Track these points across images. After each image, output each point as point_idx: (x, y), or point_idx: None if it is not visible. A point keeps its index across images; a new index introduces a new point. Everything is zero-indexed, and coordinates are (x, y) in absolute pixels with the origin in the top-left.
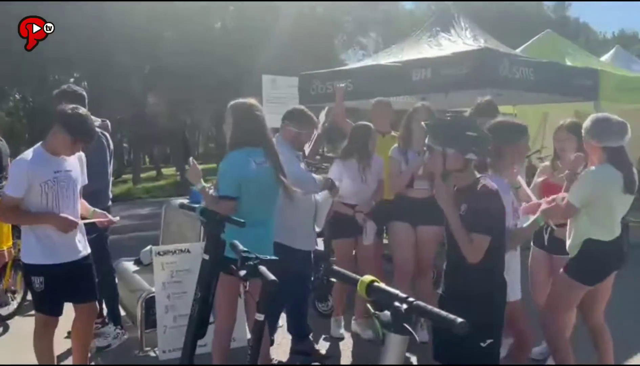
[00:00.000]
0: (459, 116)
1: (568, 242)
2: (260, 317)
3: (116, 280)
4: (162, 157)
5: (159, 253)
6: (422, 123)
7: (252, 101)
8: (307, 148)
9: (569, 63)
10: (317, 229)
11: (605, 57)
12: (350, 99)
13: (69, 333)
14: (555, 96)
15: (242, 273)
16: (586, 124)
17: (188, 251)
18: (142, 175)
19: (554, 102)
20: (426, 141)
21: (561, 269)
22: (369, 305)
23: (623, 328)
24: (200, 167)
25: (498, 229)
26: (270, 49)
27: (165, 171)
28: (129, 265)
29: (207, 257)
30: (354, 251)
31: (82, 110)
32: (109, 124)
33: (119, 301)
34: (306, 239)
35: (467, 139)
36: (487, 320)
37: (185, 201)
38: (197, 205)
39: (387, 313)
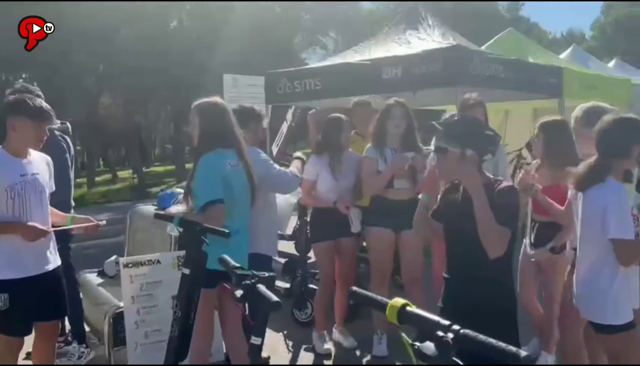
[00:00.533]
0: (467, 115)
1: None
2: (257, 341)
3: (80, 294)
4: (117, 159)
5: (126, 265)
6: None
7: (218, 99)
8: (275, 148)
9: (531, 61)
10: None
11: (563, 55)
12: (318, 99)
13: (28, 354)
14: (523, 93)
15: (239, 293)
16: (579, 114)
17: (158, 261)
18: (97, 178)
19: (522, 100)
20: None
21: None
22: (402, 335)
23: None
24: (157, 169)
25: (515, 226)
26: (228, 48)
27: (121, 173)
28: (92, 277)
29: (187, 271)
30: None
31: (27, 94)
32: (70, 126)
33: (83, 317)
34: (270, 245)
35: (485, 139)
36: (508, 331)
37: (152, 207)
38: (171, 211)
39: (429, 344)
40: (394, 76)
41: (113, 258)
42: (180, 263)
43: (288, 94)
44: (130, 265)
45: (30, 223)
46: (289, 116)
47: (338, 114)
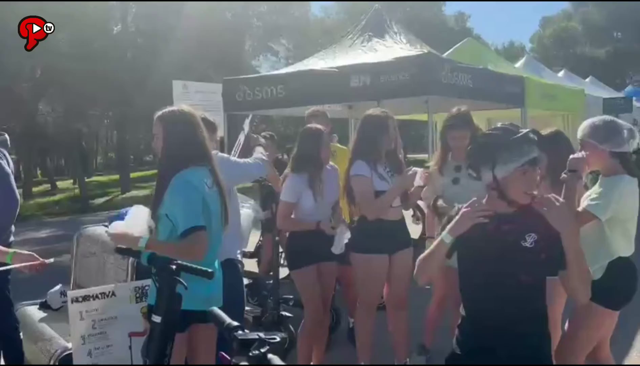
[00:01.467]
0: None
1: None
2: None
3: (20, 334)
4: (56, 169)
5: (75, 299)
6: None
7: (186, 107)
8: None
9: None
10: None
11: (518, 65)
12: (281, 107)
13: None
14: (489, 103)
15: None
16: (589, 126)
17: (113, 294)
18: (34, 189)
19: (486, 109)
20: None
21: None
22: None
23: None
24: (100, 178)
25: None
26: (175, 54)
27: (60, 184)
28: (34, 311)
29: (158, 320)
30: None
31: None
32: (8, 138)
33: (23, 360)
34: (233, 247)
35: None
36: None
37: (102, 228)
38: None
39: None
40: (362, 84)
41: (58, 287)
42: (138, 295)
43: (248, 102)
44: (79, 299)
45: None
46: (246, 125)
47: (316, 126)
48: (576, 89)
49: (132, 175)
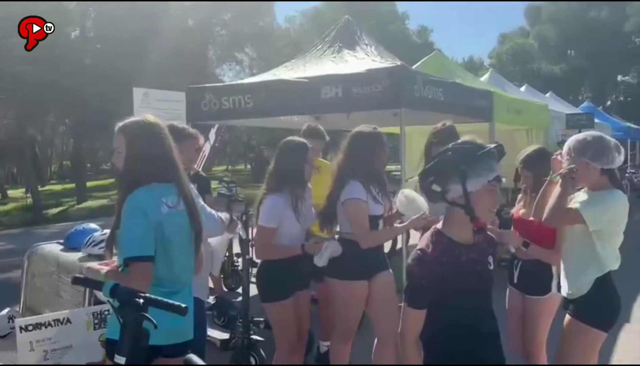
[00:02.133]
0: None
1: (566, 281)
2: None
3: None
4: (8, 177)
5: (25, 328)
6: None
7: (151, 118)
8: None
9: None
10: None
11: (483, 79)
12: (248, 117)
13: None
14: (459, 117)
15: None
16: (579, 143)
17: (68, 321)
18: None
19: (456, 123)
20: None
21: (567, 317)
22: None
23: None
24: (54, 187)
25: None
26: (136, 61)
27: (12, 193)
28: None
29: (122, 361)
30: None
31: None
32: None
33: None
34: (202, 287)
35: None
36: None
37: (56, 246)
38: (93, 267)
39: None
40: (334, 95)
41: (5, 311)
42: (97, 322)
43: (214, 112)
44: (29, 328)
45: None
46: (212, 135)
47: (299, 138)
48: (540, 105)
49: (89, 184)
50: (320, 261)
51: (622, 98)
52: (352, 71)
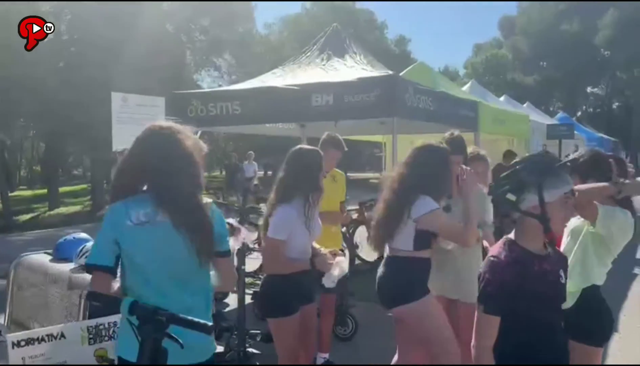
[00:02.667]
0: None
1: None
2: None
3: None
4: None
5: (17, 343)
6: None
7: (171, 125)
8: None
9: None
10: None
11: (464, 89)
12: (237, 124)
13: None
14: (446, 126)
15: None
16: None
17: (62, 335)
18: None
19: (443, 132)
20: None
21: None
22: None
23: None
24: (23, 193)
25: None
26: (112, 65)
27: None
28: None
29: None
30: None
31: None
32: None
33: None
34: None
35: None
36: None
37: (44, 256)
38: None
39: None
40: (325, 103)
41: None
42: (91, 336)
43: (201, 118)
44: (22, 343)
45: None
46: None
47: (310, 147)
48: (521, 115)
49: (62, 190)
50: (329, 281)
51: (591, 109)
52: (343, 79)
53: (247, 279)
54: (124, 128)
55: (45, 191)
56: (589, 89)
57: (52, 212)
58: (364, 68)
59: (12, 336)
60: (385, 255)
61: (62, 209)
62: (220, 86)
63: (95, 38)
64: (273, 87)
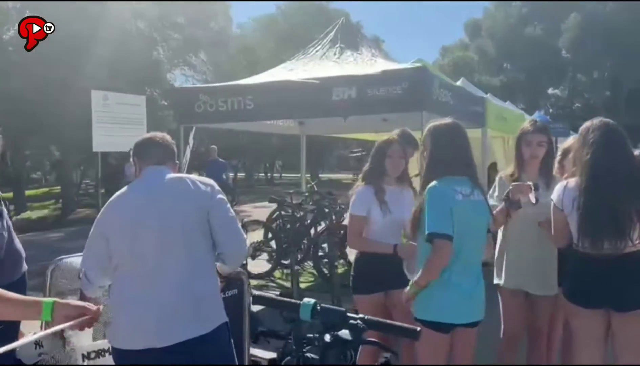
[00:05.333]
0: None
1: None
2: None
3: None
4: None
5: (87, 356)
6: None
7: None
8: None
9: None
10: None
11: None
12: (249, 120)
13: None
14: (462, 122)
15: None
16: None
17: None
18: None
19: None
20: None
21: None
22: None
23: None
24: None
25: None
26: (82, 64)
27: None
28: None
29: None
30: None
31: None
32: None
33: None
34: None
35: None
36: None
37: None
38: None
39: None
40: (347, 97)
41: (32, 336)
42: None
43: (210, 114)
44: (92, 355)
45: None
46: (191, 139)
47: (386, 137)
48: (519, 113)
49: (28, 193)
50: (410, 269)
51: (552, 110)
52: (366, 72)
53: (258, 282)
54: (105, 128)
55: (10, 194)
56: (550, 91)
57: (18, 216)
58: (385, 60)
59: (82, 348)
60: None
61: (28, 214)
62: (193, 85)
63: (59, 36)
64: (291, 81)
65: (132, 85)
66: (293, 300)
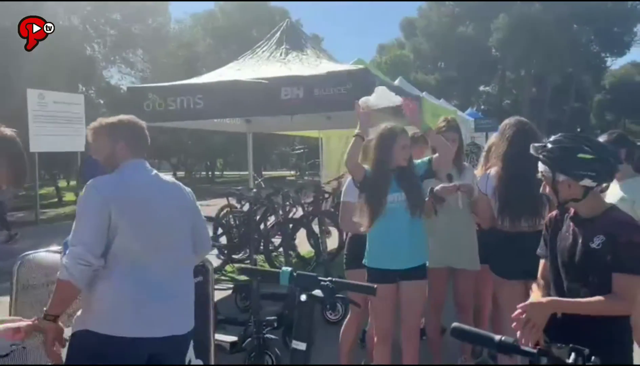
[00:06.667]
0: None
1: None
2: None
3: None
4: None
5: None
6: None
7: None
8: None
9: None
10: None
11: (396, 83)
12: (198, 119)
13: None
14: (399, 118)
15: None
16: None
17: None
18: None
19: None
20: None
21: None
22: None
23: None
24: None
25: None
26: (11, 61)
27: None
28: None
29: (303, 347)
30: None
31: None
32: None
33: None
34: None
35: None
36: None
37: (54, 254)
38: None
39: None
40: (295, 96)
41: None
42: None
43: (159, 113)
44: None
45: None
46: None
47: (390, 125)
48: (452, 110)
49: None
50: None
51: (483, 106)
52: (312, 73)
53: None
54: (42, 127)
55: None
56: (481, 88)
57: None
58: (329, 61)
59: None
60: None
61: None
62: (133, 83)
63: None
64: (240, 81)
65: (65, 83)
66: (273, 269)
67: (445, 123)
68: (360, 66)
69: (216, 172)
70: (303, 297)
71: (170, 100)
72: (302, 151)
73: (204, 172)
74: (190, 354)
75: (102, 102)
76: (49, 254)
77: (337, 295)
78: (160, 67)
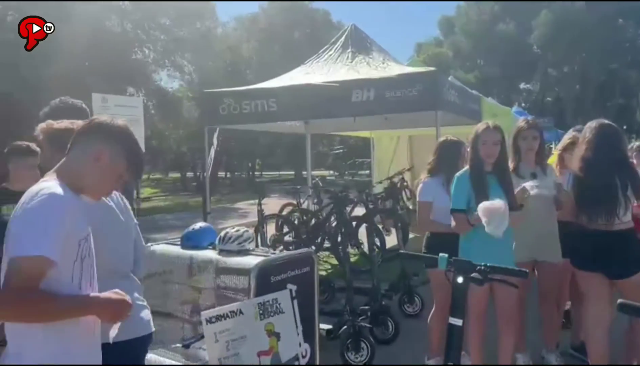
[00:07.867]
0: None
1: None
2: None
3: None
4: None
5: (209, 320)
6: None
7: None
8: (207, 175)
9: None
10: None
11: None
12: (272, 121)
13: None
14: (463, 118)
15: None
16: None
17: (241, 312)
18: None
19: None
20: None
21: None
22: None
23: None
24: None
25: None
26: (45, 64)
27: None
28: None
29: (459, 323)
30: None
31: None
32: None
33: None
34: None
35: None
36: None
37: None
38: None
39: None
40: (365, 99)
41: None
42: (261, 312)
43: (234, 116)
44: (213, 320)
45: (107, 294)
46: (215, 140)
47: (454, 138)
48: (507, 109)
49: None
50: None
51: (524, 104)
52: (382, 76)
53: None
54: None
55: None
56: (522, 85)
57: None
58: (397, 64)
59: (206, 313)
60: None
61: None
62: (181, 84)
63: (49, 37)
64: (312, 84)
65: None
66: (430, 255)
67: (524, 123)
68: (432, 68)
69: (255, 173)
70: (460, 279)
71: (245, 103)
72: (340, 151)
73: (243, 174)
74: (300, 338)
75: (151, 104)
76: (167, 246)
77: (493, 277)
78: (207, 70)
